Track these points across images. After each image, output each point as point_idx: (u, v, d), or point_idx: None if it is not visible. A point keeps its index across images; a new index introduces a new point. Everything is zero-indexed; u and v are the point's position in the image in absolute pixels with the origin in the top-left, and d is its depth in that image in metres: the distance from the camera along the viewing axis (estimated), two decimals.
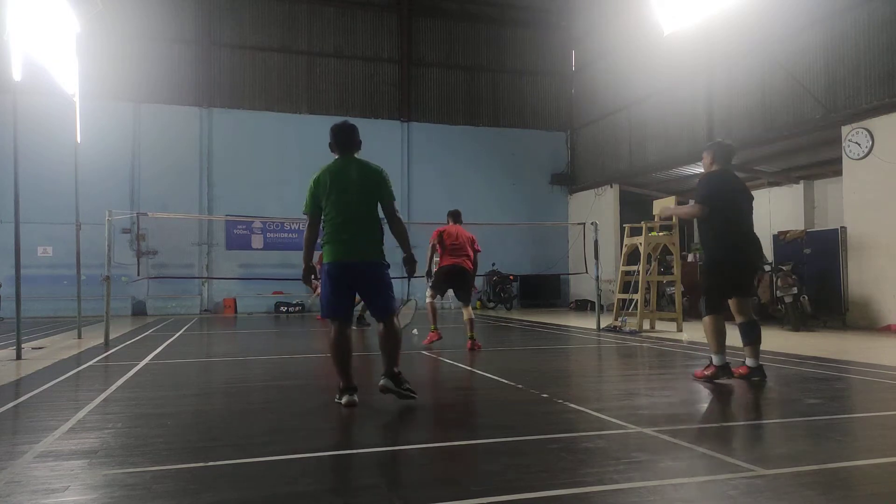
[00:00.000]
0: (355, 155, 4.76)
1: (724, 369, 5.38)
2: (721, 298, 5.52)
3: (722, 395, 5.14)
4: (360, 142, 4.81)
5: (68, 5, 10.27)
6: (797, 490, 2.71)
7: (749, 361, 5.48)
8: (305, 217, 4.72)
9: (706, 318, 5.46)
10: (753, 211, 5.61)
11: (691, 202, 5.64)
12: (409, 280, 4.95)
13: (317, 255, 4.84)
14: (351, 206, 4.55)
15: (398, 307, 5.22)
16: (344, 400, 4.49)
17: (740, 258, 5.47)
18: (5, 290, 14.45)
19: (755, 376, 5.42)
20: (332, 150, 4.79)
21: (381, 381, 4.61)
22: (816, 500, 2.61)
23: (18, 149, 7.66)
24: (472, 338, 8.05)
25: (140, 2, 17.72)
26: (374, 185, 4.63)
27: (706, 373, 5.46)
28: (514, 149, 20.86)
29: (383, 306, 4.65)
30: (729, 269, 5.43)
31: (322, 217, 4.63)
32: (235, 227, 18.15)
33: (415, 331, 9.63)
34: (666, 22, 14.33)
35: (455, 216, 8.93)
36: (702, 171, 16.27)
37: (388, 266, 4.71)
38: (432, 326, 8.61)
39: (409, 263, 4.74)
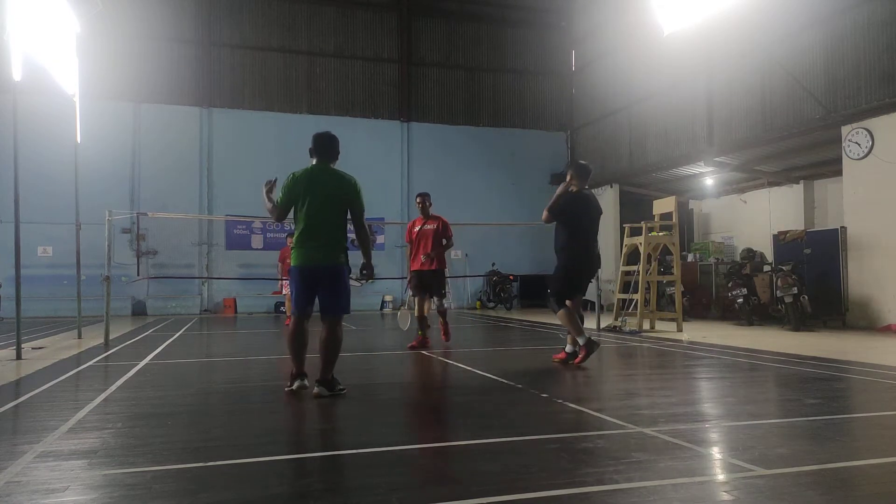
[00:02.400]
0: (333, 165, 5.12)
1: (591, 344, 6.41)
2: (566, 298, 6.57)
3: (722, 395, 5.14)
4: (339, 152, 5.17)
5: (68, 5, 10.27)
6: (797, 490, 2.71)
7: (568, 348, 6.62)
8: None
9: (561, 312, 6.49)
10: (599, 226, 6.72)
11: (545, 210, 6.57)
12: (362, 284, 5.43)
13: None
14: (319, 214, 4.92)
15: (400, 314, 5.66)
16: (295, 385, 4.99)
17: (583, 266, 6.59)
18: (5, 290, 14.45)
19: (572, 359, 6.52)
20: (312, 156, 5.12)
21: (315, 389, 4.88)
22: (816, 500, 2.61)
23: (18, 149, 7.66)
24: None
25: (140, 2, 17.72)
26: (345, 195, 4.99)
27: (580, 354, 6.41)
28: (514, 149, 20.87)
29: (336, 307, 5.00)
30: (574, 274, 6.53)
31: (293, 215, 5.04)
32: (235, 227, 18.16)
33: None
34: (666, 22, 14.33)
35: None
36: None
37: (350, 270, 5.05)
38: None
39: (368, 269, 5.14)
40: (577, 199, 6.54)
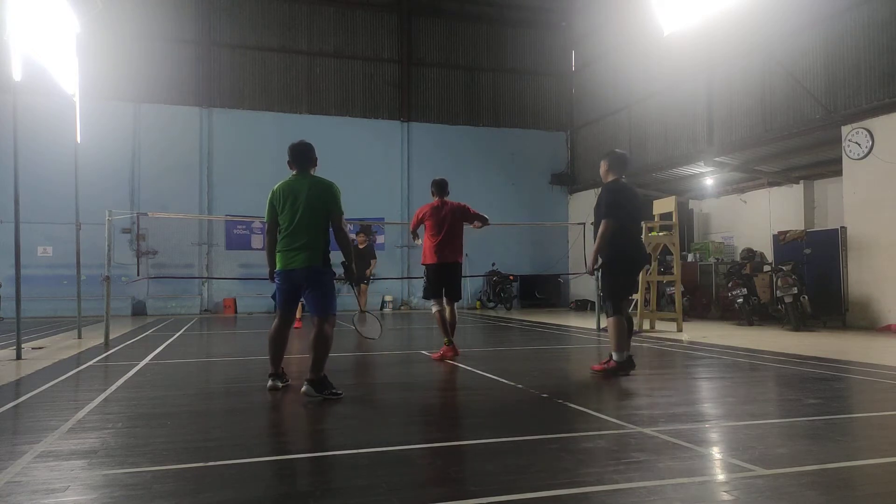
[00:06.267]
0: (312, 171, 5.21)
1: (627, 364, 5.82)
2: (623, 299, 6.04)
3: (722, 395, 5.14)
4: (316, 159, 5.24)
5: (68, 5, 10.27)
6: (798, 490, 2.71)
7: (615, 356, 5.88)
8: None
9: (613, 319, 5.86)
10: (643, 217, 6.20)
11: (601, 223, 5.88)
12: (353, 287, 5.54)
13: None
14: (298, 220, 5.00)
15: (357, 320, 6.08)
16: (269, 384, 5.19)
17: (632, 261, 6.04)
18: (5, 290, 14.44)
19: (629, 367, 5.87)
20: (290, 167, 5.20)
21: (303, 388, 4.92)
22: (817, 500, 2.61)
23: (18, 149, 7.66)
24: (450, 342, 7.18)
25: (140, 2, 17.72)
26: (323, 199, 5.05)
27: (607, 367, 5.89)
28: (514, 149, 20.87)
29: (321, 308, 5.06)
30: (626, 270, 6.00)
31: (278, 227, 5.14)
32: (235, 227, 18.15)
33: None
34: (666, 22, 14.34)
35: (441, 188, 7.39)
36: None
37: (334, 274, 5.15)
38: (446, 340, 7.22)
39: (348, 272, 5.22)
40: (617, 190, 5.95)
